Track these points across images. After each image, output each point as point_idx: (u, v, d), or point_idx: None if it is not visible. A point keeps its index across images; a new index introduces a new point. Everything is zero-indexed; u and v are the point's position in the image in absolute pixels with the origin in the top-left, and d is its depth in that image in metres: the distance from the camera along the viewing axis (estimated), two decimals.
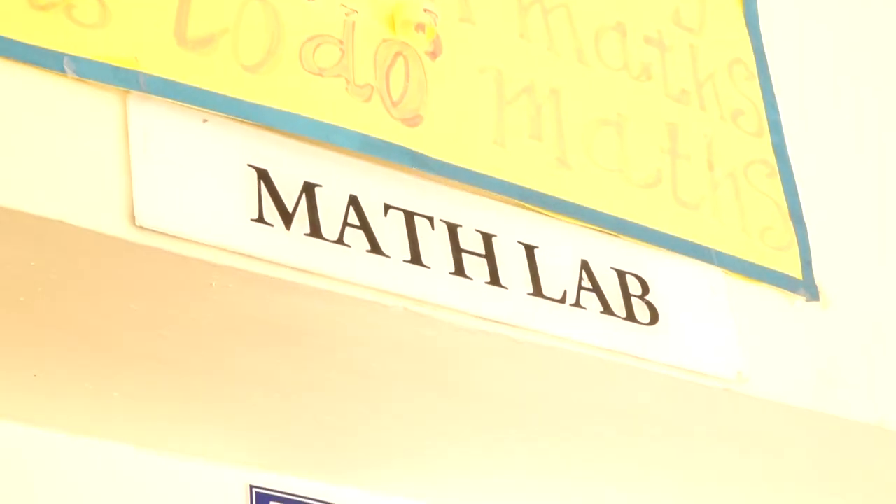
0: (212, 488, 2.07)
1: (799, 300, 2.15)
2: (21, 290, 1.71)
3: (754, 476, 2.26)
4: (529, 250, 1.93)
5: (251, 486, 2.06)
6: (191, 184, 1.71)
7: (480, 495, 2.28)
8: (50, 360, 1.83)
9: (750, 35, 2.31)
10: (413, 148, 1.87)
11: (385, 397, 1.97)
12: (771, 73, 2.33)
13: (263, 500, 2.07)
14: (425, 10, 1.94)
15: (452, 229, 1.87)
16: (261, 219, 1.71)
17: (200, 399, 1.96)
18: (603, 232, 2.01)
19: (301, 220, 1.75)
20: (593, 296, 1.96)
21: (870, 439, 2.15)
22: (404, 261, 1.80)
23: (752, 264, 2.11)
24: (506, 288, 1.89)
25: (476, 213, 1.92)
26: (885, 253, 2.38)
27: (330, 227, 1.77)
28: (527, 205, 1.96)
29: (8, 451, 1.93)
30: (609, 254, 2.01)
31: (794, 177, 2.24)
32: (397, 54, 1.90)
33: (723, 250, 2.10)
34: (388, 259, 1.79)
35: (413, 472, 2.20)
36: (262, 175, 1.74)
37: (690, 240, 2.07)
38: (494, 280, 1.88)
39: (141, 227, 1.64)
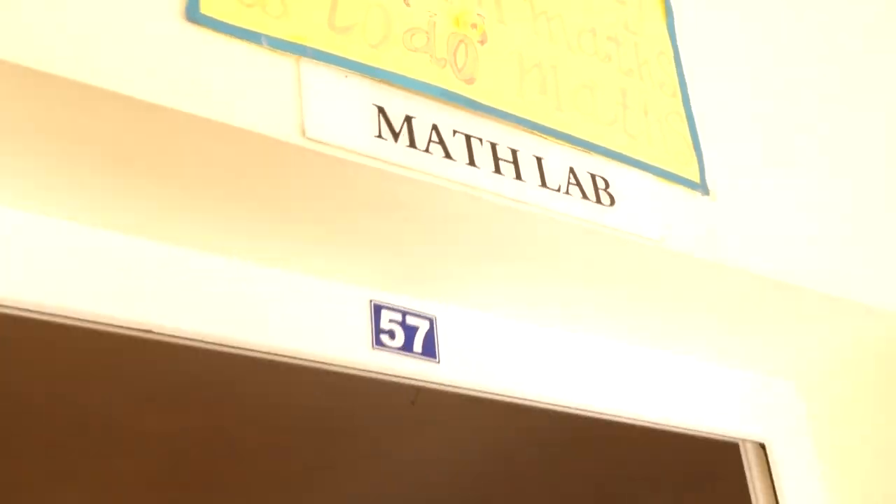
0: (337, 303, 2.19)
1: (697, 195, 2.38)
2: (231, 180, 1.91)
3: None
4: (539, 160, 2.16)
5: (371, 300, 2.21)
6: (341, 113, 1.91)
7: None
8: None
9: (669, 36, 2.48)
10: (470, 96, 2.11)
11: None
12: (682, 60, 2.48)
13: (378, 310, 2.22)
14: (478, 15, 2.18)
15: (493, 146, 2.10)
16: (379, 136, 1.95)
17: (328, 226, 2.08)
18: (583, 151, 2.22)
19: (404, 137, 1.98)
20: (577, 188, 2.17)
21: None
22: (465, 163, 2.05)
23: (670, 172, 2.34)
24: (524, 181, 2.11)
25: (507, 137, 2.13)
26: (764, 166, 2.50)
27: (421, 141, 2.00)
28: (538, 133, 2.17)
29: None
30: (586, 163, 2.20)
31: (695, 123, 2.43)
32: (460, 41, 2.12)
33: (654, 164, 2.33)
34: (454, 162, 2.03)
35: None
36: (381, 110, 1.97)
37: (635, 157, 2.30)
38: (518, 177, 2.10)
39: (309, 139, 1.85)
